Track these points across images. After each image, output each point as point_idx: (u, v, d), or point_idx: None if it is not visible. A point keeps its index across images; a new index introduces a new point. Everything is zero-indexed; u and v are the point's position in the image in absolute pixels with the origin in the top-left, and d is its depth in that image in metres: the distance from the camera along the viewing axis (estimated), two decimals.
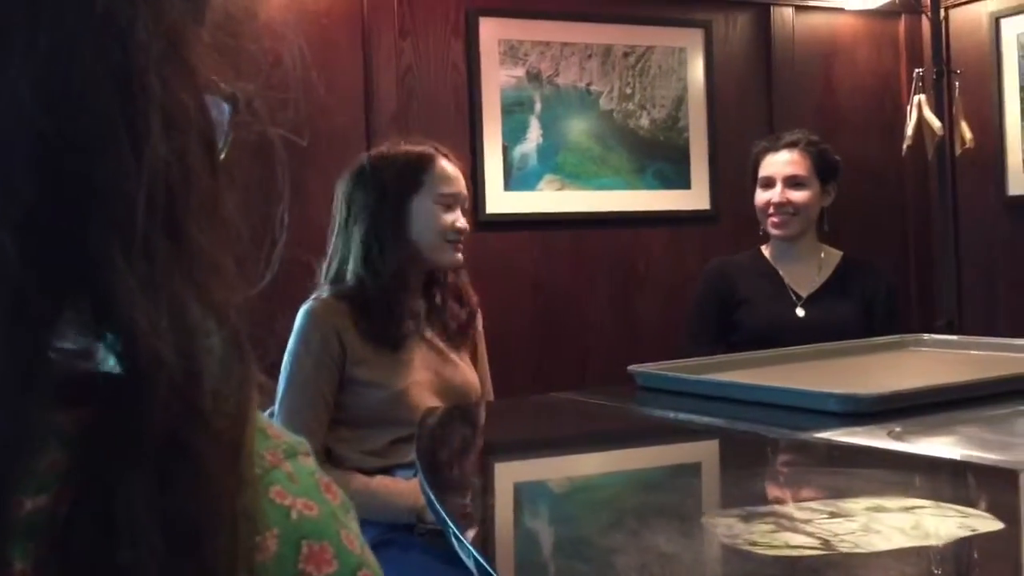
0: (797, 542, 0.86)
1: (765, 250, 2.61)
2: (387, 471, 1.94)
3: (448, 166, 2.02)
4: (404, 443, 1.92)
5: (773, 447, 1.45)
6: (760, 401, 1.61)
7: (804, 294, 2.51)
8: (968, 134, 2.93)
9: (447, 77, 2.99)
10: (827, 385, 1.58)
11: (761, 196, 2.56)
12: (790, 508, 0.98)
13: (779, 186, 2.52)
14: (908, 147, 2.94)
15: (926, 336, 2.23)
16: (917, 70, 2.99)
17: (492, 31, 3.04)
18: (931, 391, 1.54)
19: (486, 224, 2.93)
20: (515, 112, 3.07)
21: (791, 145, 2.55)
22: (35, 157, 0.39)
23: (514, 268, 3.05)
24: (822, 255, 2.58)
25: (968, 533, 0.88)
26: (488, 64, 3.03)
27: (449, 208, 2.00)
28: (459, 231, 2.00)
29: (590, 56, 3.18)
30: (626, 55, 3.23)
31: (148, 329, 0.39)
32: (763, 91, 3.41)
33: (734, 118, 3.34)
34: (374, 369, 1.94)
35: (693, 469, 1.45)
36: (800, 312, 2.49)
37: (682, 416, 1.64)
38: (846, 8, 3.46)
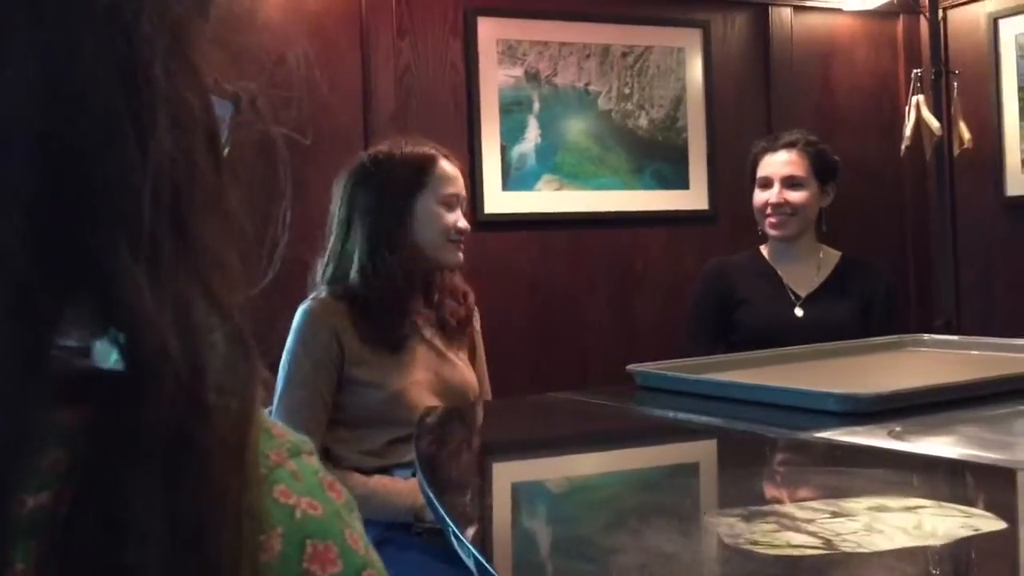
0: (799, 541, 0.86)
1: (764, 250, 2.61)
2: (385, 471, 1.94)
3: (449, 166, 2.02)
4: (402, 443, 1.92)
5: (773, 447, 1.45)
6: (759, 401, 1.61)
7: (803, 294, 2.51)
8: (966, 134, 2.94)
9: (445, 77, 2.99)
10: (826, 385, 1.58)
11: (759, 196, 2.56)
12: (791, 507, 0.98)
13: (777, 186, 2.52)
14: (906, 147, 2.94)
15: (925, 336, 2.23)
16: (915, 70, 2.99)
17: (490, 31, 3.04)
18: (931, 391, 1.54)
19: (484, 224, 2.92)
20: (513, 112, 3.07)
21: (789, 145, 2.55)
22: (39, 149, 0.38)
23: (512, 268, 3.05)
24: (821, 255, 2.58)
25: (971, 533, 0.88)
26: (486, 64, 3.03)
27: (451, 208, 2.01)
28: (461, 231, 2.01)
29: (588, 56, 3.17)
30: (624, 55, 3.22)
31: (154, 324, 0.39)
32: (761, 91, 3.41)
33: (732, 118, 3.34)
34: (372, 369, 1.94)
35: (693, 469, 1.45)
36: (799, 312, 2.49)
37: (681, 416, 1.64)
38: (844, 8, 3.46)
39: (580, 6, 3.15)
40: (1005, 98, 3.31)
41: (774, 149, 2.57)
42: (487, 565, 0.90)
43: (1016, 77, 3.29)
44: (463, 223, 2.03)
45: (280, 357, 1.93)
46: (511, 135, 3.06)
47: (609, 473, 1.40)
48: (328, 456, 1.92)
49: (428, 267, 2.02)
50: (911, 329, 2.47)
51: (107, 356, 0.44)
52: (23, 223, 0.38)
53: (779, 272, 2.55)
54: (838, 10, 3.48)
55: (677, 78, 3.29)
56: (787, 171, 2.52)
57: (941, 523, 0.91)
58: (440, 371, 2.00)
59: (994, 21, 3.34)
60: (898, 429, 1.33)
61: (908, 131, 2.90)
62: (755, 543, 0.86)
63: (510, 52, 3.07)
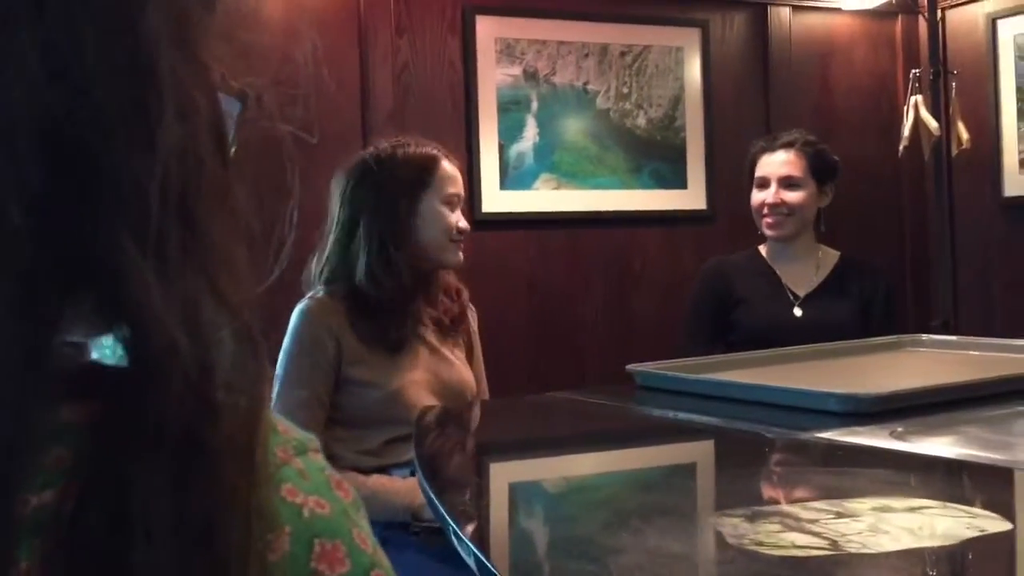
0: (804, 542, 0.85)
1: (763, 250, 2.60)
2: (383, 470, 1.94)
3: (450, 166, 2.03)
4: (400, 442, 1.91)
5: (774, 447, 1.45)
6: (760, 401, 1.60)
7: (802, 294, 2.51)
8: (965, 135, 2.93)
9: (443, 75, 2.98)
10: (826, 385, 1.58)
11: (756, 196, 2.55)
12: (795, 508, 0.97)
13: (774, 186, 2.52)
14: (904, 147, 2.94)
15: (924, 336, 2.23)
16: (914, 71, 2.99)
17: (489, 29, 3.03)
18: (932, 391, 1.53)
19: (482, 223, 2.91)
20: (511, 111, 3.07)
21: (787, 145, 2.54)
22: (43, 145, 0.38)
23: (510, 267, 3.05)
24: (820, 255, 2.57)
25: (977, 533, 0.87)
26: (484, 62, 3.03)
27: (453, 208, 2.01)
28: (462, 231, 2.02)
29: (587, 55, 3.17)
30: (623, 54, 3.22)
31: (162, 320, 0.39)
32: (760, 91, 3.40)
33: (731, 118, 3.33)
34: (370, 369, 1.93)
35: (695, 469, 1.44)
36: (798, 312, 2.48)
37: (682, 416, 1.63)
38: (843, 8, 3.46)
39: (579, 5, 3.15)
40: (1003, 98, 3.32)
41: (772, 149, 2.56)
42: (488, 564, 0.90)
43: (1014, 77, 3.29)
44: (464, 223, 2.03)
45: (277, 357, 1.92)
46: (509, 134, 3.06)
47: (610, 473, 1.40)
48: (326, 456, 1.91)
49: (431, 267, 2.02)
50: (909, 329, 2.47)
51: (104, 352, 0.43)
52: (27, 218, 0.37)
53: (778, 272, 2.55)
54: (837, 10, 3.48)
55: (675, 77, 3.29)
56: (784, 171, 2.52)
57: (946, 524, 0.90)
58: (438, 371, 2.00)
59: (992, 21, 3.34)
60: (900, 429, 1.33)
61: (906, 131, 2.90)
62: (760, 544, 0.86)
63: (508, 51, 3.06)
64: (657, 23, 3.27)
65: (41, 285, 0.38)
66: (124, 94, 0.39)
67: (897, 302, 2.72)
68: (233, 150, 0.47)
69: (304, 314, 1.94)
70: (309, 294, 1.98)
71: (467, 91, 3.00)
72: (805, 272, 2.54)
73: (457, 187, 2.03)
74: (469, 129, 2.99)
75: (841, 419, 1.42)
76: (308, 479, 0.45)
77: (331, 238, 1.98)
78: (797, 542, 0.86)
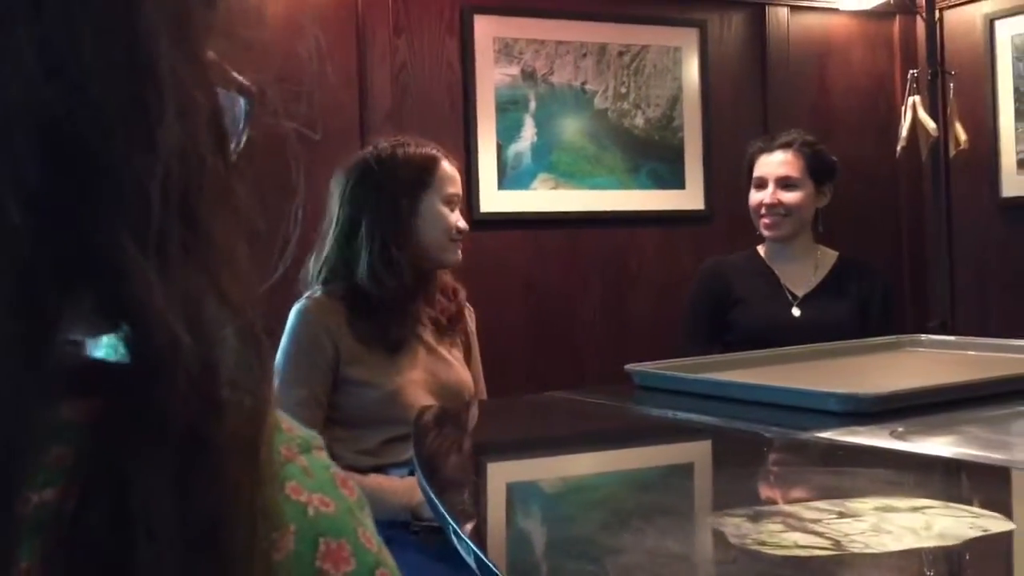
0: (807, 542, 0.85)
1: (761, 250, 2.60)
2: (381, 470, 1.93)
3: (449, 166, 2.03)
4: (398, 442, 1.91)
5: (775, 447, 1.45)
6: (759, 400, 1.60)
7: (800, 294, 2.51)
8: (962, 135, 2.94)
9: (441, 75, 2.98)
10: (826, 385, 1.57)
11: (754, 196, 2.55)
12: (798, 508, 0.97)
13: (771, 187, 2.51)
14: (902, 148, 2.94)
15: (923, 337, 2.23)
16: (912, 71, 2.99)
17: (487, 29, 3.03)
18: (932, 391, 1.53)
19: (480, 223, 2.91)
20: (509, 110, 3.06)
21: (785, 146, 2.54)
22: (41, 142, 0.37)
23: (508, 267, 3.04)
24: (818, 255, 2.57)
25: (980, 533, 0.87)
26: (483, 62, 3.02)
27: (452, 208, 2.01)
28: (461, 231, 2.02)
29: (585, 55, 3.17)
30: (621, 54, 3.22)
31: (164, 318, 0.38)
32: (758, 91, 3.40)
33: (729, 118, 3.33)
34: (368, 369, 1.93)
35: (697, 469, 1.44)
36: (796, 312, 2.48)
37: (681, 415, 1.63)
38: (841, 8, 3.46)
39: (577, 5, 3.15)
40: (1001, 99, 3.32)
41: (770, 149, 2.56)
42: (488, 562, 0.89)
43: (1012, 78, 3.29)
44: (463, 223, 2.04)
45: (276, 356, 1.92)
46: (507, 134, 3.05)
47: (611, 473, 1.39)
48: None
49: (431, 266, 2.02)
50: (906, 329, 2.47)
51: (106, 350, 0.43)
52: (26, 216, 0.37)
53: (776, 272, 2.54)
54: (835, 10, 3.48)
55: (673, 77, 3.29)
56: (782, 171, 2.52)
57: (949, 524, 0.90)
58: (435, 371, 2.00)
59: (990, 22, 3.34)
60: (900, 429, 1.32)
61: (904, 131, 2.90)
62: (762, 543, 0.85)
63: (506, 50, 3.06)
64: (655, 23, 3.26)
65: (40, 283, 0.37)
66: (123, 91, 0.39)
67: (895, 302, 2.72)
68: (241, 147, 0.47)
69: (302, 314, 1.93)
70: (307, 293, 1.97)
71: (465, 91, 2.99)
72: (803, 272, 2.54)
73: (456, 187, 2.03)
74: (467, 129, 2.99)
75: (841, 419, 1.42)
76: (312, 477, 0.45)
77: (330, 237, 1.98)
78: (800, 542, 0.85)
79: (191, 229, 0.40)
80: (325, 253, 1.98)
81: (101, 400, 0.39)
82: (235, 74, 0.46)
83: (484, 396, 2.16)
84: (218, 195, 0.42)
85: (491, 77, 3.03)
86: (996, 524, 0.90)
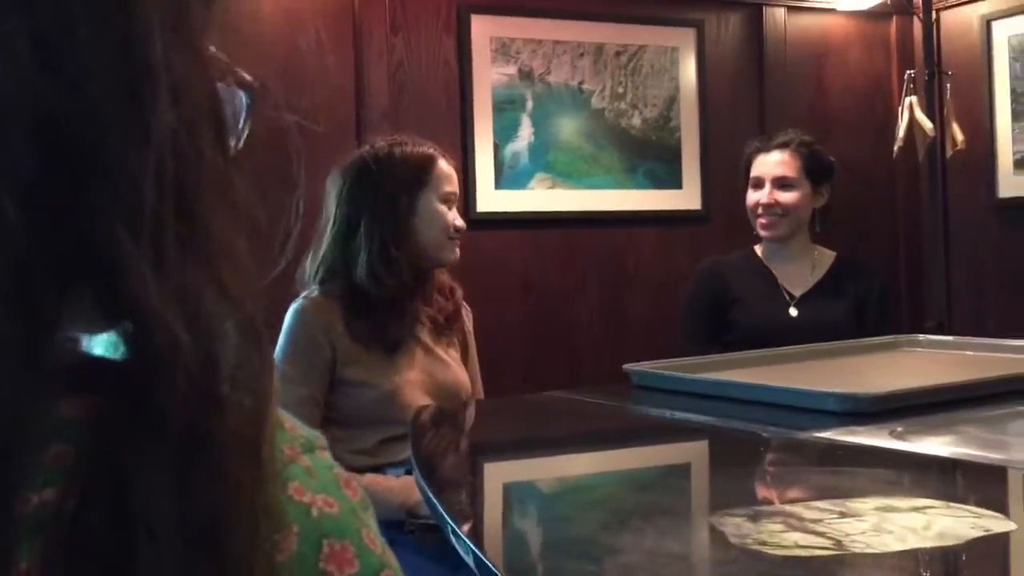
0: (808, 542, 0.85)
1: (758, 250, 2.60)
2: (378, 469, 1.93)
3: (446, 165, 2.03)
4: (394, 442, 1.91)
5: (774, 447, 1.44)
6: (758, 400, 1.60)
7: (797, 294, 2.51)
8: (959, 135, 2.94)
9: (438, 74, 2.97)
10: (824, 385, 1.57)
11: (751, 196, 2.55)
12: (798, 508, 0.96)
13: (768, 187, 2.51)
14: (899, 148, 2.94)
15: (920, 337, 2.23)
16: (908, 71, 2.99)
17: (484, 28, 3.03)
18: (930, 391, 1.53)
19: (477, 223, 2.90)
20: (506, 110, 3.06)
21: (783, 146, 2.54)
22: (35, 135, 0.37)
23: (505, 267, 3.04)
24: (815, 255, 2.57)
25: (981, 533, 0.87)
26: (480, 61, 3.02)
27: (450, 206, 2.01)
28: (459, 229, 2.02)
29: (582, 55, 3.16)
30: (618, 54, 3.21)
31: (161, 314, 0.37)
32: (755, 91, 3.40)
33: (726, 118, 3.33)
34: (365, 369, 1.93)
35: (696, 469, 1.44)
36: (793, 312, 2.48)
37: (679, 415, 1.63)
38: (838, 9, 3.46)
39: (574, 5, 3.14)
40: (997, 100, 3.32)
41: (767, 149, 2.56)
42: (487, 561, 0.89)
43: (1009, 79, 3.30)
44: (460, 221, 2.03)
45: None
46: (504, 133, 3.05)
47: (610, 473, 1.39)
48: None
49: (429, 265, 2.02)
50: (903, 330, 2.47)
51: (103, 347, 0.42)
52: (22, 211, 0.36)
53: (773, 272, 2.54)
54: (832, 10, 3.48)
55: (671, 77, 3.28)
56: (778, 171, 2.51)
57: (951, 524, 0.89)
58: (432, 371, 1.99)
59: (987, 23, 3.35)
60: (900, 429, 1.32)
61: (901, 132, 2.90)
62: (763, 543, 0.85)
63: (503, 50, 3.06)
64: (652, 23, 3.26)
65: (38, 280, 0.37)
66: (117, 84, 0.38)
67: (892, 302, 2.72)
68: (243, 141, 0.46)
69: (299, 314, 1.93)
70: (304, 293, 1.97)
71: (462, 90, 2.99)
72: (801, 272, 2.54)
73: (454, 185, 2.03)
74: (464, 128, 2.98)
75: (839, 419, 1.41)
76: (316, 477, 0.44)
77: (328, 236, 1.97)
78: (801, 542, 0.85)
79: (188, 223, 0.39)
80: (322, 252, 1.97)
81: (101, 398, 0.39)
82: (236, 68, 0.46)
83: (481, 396, 2.15)
84: (217, 189, 0.41)
85: (488, 76, 3.03)
86: (997, 524, 0.90)
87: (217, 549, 0.38)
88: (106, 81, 0.38)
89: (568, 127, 3.14)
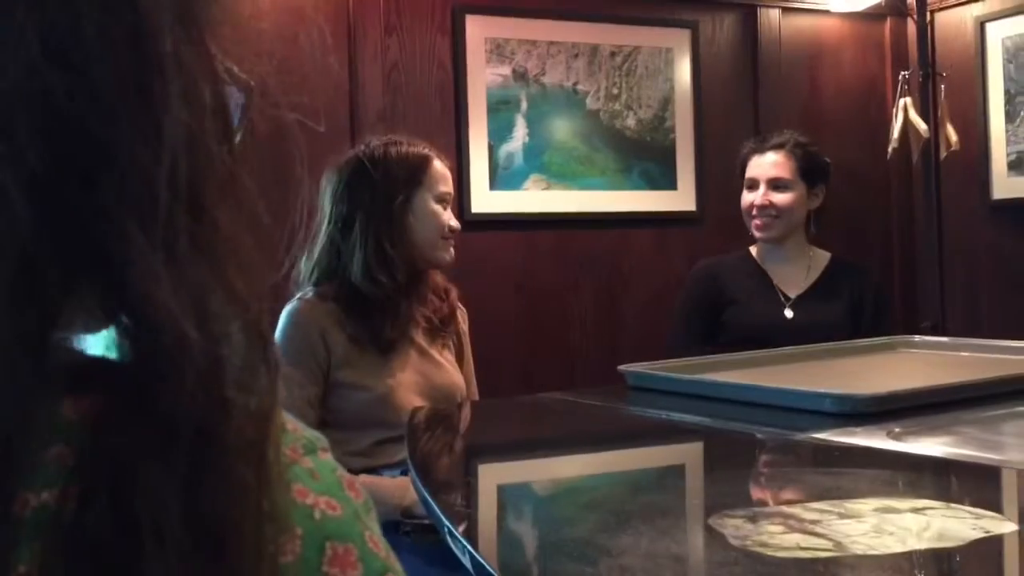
0: (808, 544, 0.84)
1: (754, 251, 2.60)
2: (373, 471, 1.92)
3: (440, 165, 2.02)
4: (389, 444, 1.90)
5: (771, 447, 1.44)
6: (754, 401, 1.60)
7: (793, 295, 2.51)
8: (953, 137, 2.94)
9: (433, 75, 2.96)
10: (820, 386, 1.57)
11: (746, 198, 2.55)
12: (797, 509, 0.96)
13: (762, 188, 2.51)
14: (893, 150, 2.94)
15: (916, 338, 2.23)
16: (903, 73, 2.99)
17: (478, 29, 3.02)
18: (927, 392, 1.53)
19: (471, 223, 2.89)
20: (501, 111, 3.05)
21: (777, 147, 2.54)
22: (43, 128, 0.36)
23: (499, 268, 3.03)
24: (811, 256, 2.57)
25: (982, 534, 0.86)
26: (474, 62, 3.01)
27: (444, 206, 2.01)
28: (453, 229, 2.02)
29: (577, 55, 3.16)
30: (613, 55, 3.21)
31: (172, 313, 0.37)
32: (749, 92, 3.40)
33: (720, 119, 3.33)
34: (359, 371, 1.92)
35: (693, 470, 1.43)
36: (789, 313, 2.48)
37: (675, 416, 1.62)
38: (832, 10, 3.46)
39: (569, 5, 3.14)
40: (992, 101, 3.33)
41: (762, 150, 2.56)
42: (483, 562, 0.88)
43: (1003, 80, 3.30)
44: (455, 222, 2.03)
45: None
46: (499, 134, 3.04)
47: (607, 474, 1.39)
48: None
49: (424, 265, 2.01)
50: (897, 331, 2.47)
51: (99, 347, 0.42)
52: (29, 203, 0.36)
53: (769, 273, 2.54)
54: (826, 12, 3.49)
55: (665, 78, 3.28)
56: (773, 173, 2.51)
57: (951, 525, 0.89)
58: (427, 373, 1.99)
59: (981, 24, 3.35)
60: (896, 430, 1.32)
61: (895, 133, 2.90)
62: (763, 545, 0.85)
63: (498, 51, 3.05)
64: (647, 24, 3.26)
65: (42, 273, 0.36)
66: (126, 77, 0.38)
67: (888, 299, 2.72)
68: (238, 139, 0.46)
69: (294, 315, 1.92)
70: (298, 295, 1.96)
71: (456, 91, 2.98)
72: (796, 273, 2.54)
73: (448, 185, 2.03)
74: (459, 129, 2.98)
75: (836, 420, 1.41)
76: (319, 479, 0.44)
77: (323, 236, 1.96)
78: (801, 543, 0.85)
79: (198, 220, 0.39)
80: (317, 252, 1.97)
81: (102, 398, 0.38)
82: (232, 66, 0.45)
83: (476, 397, 2.15)
84: (224, 185, 0.41)
85: (483, 77, 3.02)
86: (997, 525, 0.89)
87: (223, 552, 0.37)
88: (116, 75, 0.37)
89: (563, 128, 3.13)
